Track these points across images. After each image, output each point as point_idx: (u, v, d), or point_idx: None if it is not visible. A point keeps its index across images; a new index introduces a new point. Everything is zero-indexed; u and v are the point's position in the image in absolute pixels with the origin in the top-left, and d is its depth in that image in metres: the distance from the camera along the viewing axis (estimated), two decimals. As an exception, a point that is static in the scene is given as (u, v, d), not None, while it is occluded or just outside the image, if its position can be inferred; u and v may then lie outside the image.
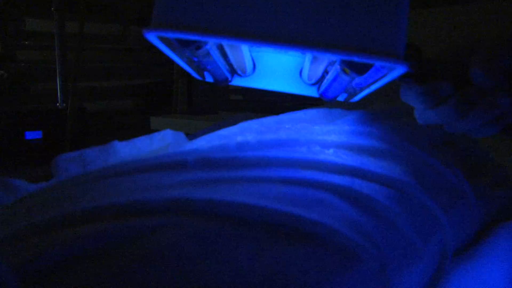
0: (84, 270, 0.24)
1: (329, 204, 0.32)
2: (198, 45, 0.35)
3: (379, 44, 0.32)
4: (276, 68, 0.50)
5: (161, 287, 0.24)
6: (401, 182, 0.37)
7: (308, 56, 0.43)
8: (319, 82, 0.48)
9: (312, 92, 0.51)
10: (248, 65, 0.46)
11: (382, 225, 0.33)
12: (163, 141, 0.56)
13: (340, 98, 0.49)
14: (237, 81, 0.50)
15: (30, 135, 0.99)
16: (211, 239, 0.27)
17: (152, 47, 0.36)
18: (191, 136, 0.61)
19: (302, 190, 0.33)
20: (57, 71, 1.33)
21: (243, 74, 0.48)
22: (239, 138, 0.42)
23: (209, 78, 0.48)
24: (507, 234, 0.42)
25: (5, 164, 1.01)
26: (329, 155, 0.39)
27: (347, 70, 0.35)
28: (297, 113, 0.53)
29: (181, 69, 0.45)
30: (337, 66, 0.37)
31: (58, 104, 1.41)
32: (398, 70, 0.34)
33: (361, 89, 0.43)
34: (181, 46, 0.35)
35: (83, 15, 1.33)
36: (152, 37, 0.34)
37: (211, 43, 0.37)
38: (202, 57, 0.39)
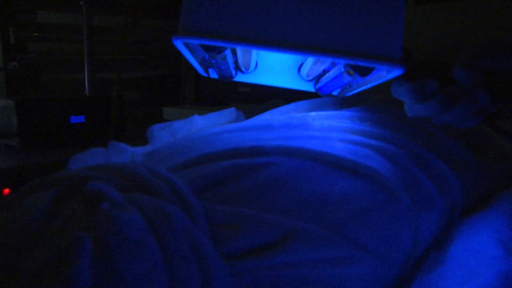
0: (230, 187, 0.38)
1: (374, 157, 0.45)
2: (219, 50, 0.39)
3: (381, 50, 0.36)
4: (275, 65, 0.54)
5: (276, 199, 0.37)
6: (419, 148, 0.48)
7: (311, 58, 0.47)
8: (315, 78, 0.53)
9: (308, 87, 0.55)
10: (252, 63, 0.51)
11: (408, 177, 0.44)
12: (230, 116, 0.67)
13: (334, 93, 0.54)
14: (239, 77, 0.54)
15: (74, 119, 1.07)
16: (306, 172, 0.40)
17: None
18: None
19: (354, 147, 0.46)
20: (85, 62, 1.38)
21: (246, 71, 0.52)
22: (295, 113, 0.53)
23: (213, 75, 0.52)
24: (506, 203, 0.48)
25: (53, 144, 1.09)
26: (366, 127, 0.51)
27: (351, 72, 0.39)
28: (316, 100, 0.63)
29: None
30: (341, 68, 0.42)
31: (86, 93, 1.47)
32: (395, 72, 0.38)
33: (358, 86, 0.48)
34: (205, 50, 0.38)
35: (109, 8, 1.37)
36: (179, 43, 0.37)
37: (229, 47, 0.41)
38: (220, 59, 0.44)
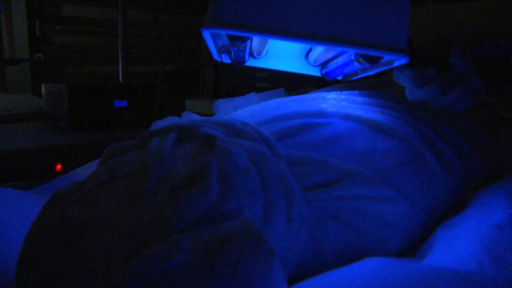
0: (302, 138, 0.48)
1: (403, 124, 0.52)
2: (244, 39, 0.44)
3: (389, 41, 0.41)
4: (284, 51, 0.59)
5: (336, 149, 0.47)
6: (438, 123, 0.56)
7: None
8: (322, 64, 0.58)
9: (314, 72, 0.60)
10: (265, 50, 0.56)
11: (431, 143, 0.52)
12: (279, 94, 0.76)
13: (339, 78, 0.59)
14: (251, 62, 0.58)
15: (118, 103, 1.16)
16: (357, 131, 0.50)
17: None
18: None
19: (388, 116, 0.54)
20: (120, 55, 1.48)
21: (257, 56, 0.57)
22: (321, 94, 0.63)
23: (226, 60, 0.56)
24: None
25: (98, 125, 1.19)
26: (390, 104, 0.58)
27: (361, 60, 0.45)
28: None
29: (209, 56, 0.57)
30: (351, 56, 0.47)
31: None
32: (401, 61, 0.44)
33: (363, 72, 0.53)
34: (230, 39, 0.44)
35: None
36: (206, 32, 0.42)
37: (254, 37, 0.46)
38: (243, 47, 0.49)
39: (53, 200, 0.41)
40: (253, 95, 0.72)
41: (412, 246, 0.48)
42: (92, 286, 0.32)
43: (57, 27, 2.51)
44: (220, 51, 0.52)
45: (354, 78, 0.56)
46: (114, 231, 0.34)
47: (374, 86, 0.68)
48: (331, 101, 0.57)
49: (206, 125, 0.45)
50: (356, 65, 0.47)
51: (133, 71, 2.27)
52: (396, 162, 0.47)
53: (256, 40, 0.53)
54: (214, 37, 0.47)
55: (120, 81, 1.59)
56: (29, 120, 1.37)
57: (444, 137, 0.54)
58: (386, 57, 0.44)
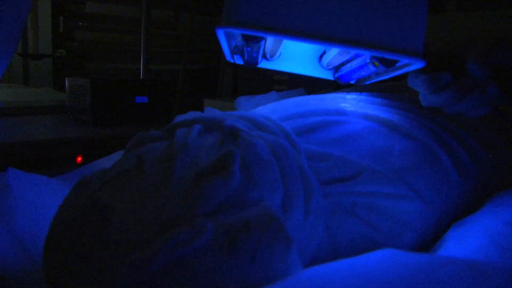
0: (321, 134, 0.50)
1: (419, 126, 0.54)
2: (258, 39, 0.43)
3: (406, 45, 0.40)
4: (297, 54, 0.57)
5: (354, 146, 0.48)
6: (452, 126, 0.57)
7: (335, 48, 0.51)
8: (335, 67, 0.57)
9: (327, 75, 0.59)
10: (278, 51, 0.55)
11: (447, 145, 0.53)
12: (298, 93, 0.79)
13: (352, 81, 0.58)
14: (263, 64, 0.57)
15: (139, 99, 1.19)
16: (374, 130, 0.51)
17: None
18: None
19: (405, 118, 0.55)
20: (142, 52, 1.51)
21: (270, 58, 0.56)
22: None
23: (238, 61, 0.55)
24: None
25: (119, 120, 1.22)
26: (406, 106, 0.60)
27: (377, 63, 0.43)
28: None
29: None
30: (366, 59, 0.46)
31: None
32: (417, 65, 0.43)
33: (377, 76, 0.52)
34: (244, 39, 0.43)
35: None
36: (221, 32, 0.42)
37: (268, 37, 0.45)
38: (256, 47, 0.48)
39: (80, 184, 0.43)
40: (273, 94, 0.74)
41: (425, 245, 0.49)
42: (118, 266, 0.33)
43: (80, 24, 2.56)
44: (233, 51, 0.52)
45: (368, 82, 0.56)
46: (140, 214, 0.36)
47: (391, 89, 0.69)
48: (350, 101, 0.59)
49: (230, 118, 0.47)
50: (371, 68, 0.46)
51: (153, 69, 2.30)
52: (412, 162, 0.49)
53: (269, 41, 0.53)
54: (228, 37, 0.47)
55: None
56: (50, 113, 1.40)
57: (460, 141, 0.55)
58: (402, 61, 0.43)
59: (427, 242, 0.49)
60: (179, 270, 0.32)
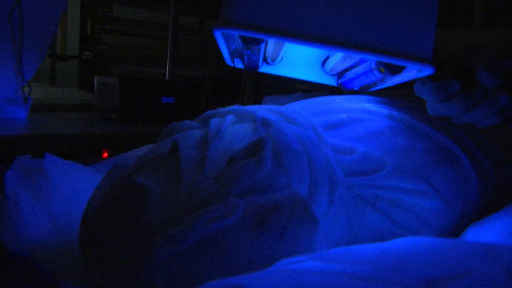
0: (346, 130, 0.52)
1: (443, 130, 0.54)
2: (258, 42, 0.40)
3: (414, 50, 0.38)
4: (299, 58, 0.55)
5: (377, 142, 0.50)
6: (474, 131, 0.56)
7: (339, 53, 0.50)
8: (339, 73, 0.56)
9: (330, 81, 0.57)
10: (280, 56, 0.53)
11: (465, 147, 0.53)
12: (312, 96, 0.79)
13: (356, 88, 0.56)
14: (264, 69, 0.55)
15: (165, 100, 1.23)
16: (396, 128, 0.52)
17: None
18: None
19: (424, 120, 0.55)
20: (168, 57, 1.55)
21: (271, 62, 0.54)
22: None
23: (238, 65, 0.53)
24: None
25: (145, 119, 1.25)
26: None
27: (383, 69, 0.41)
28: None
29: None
30: (372, 64, 0.43)
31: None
32: (425, 72, 0.41)
33: (382, 83, 0.51)
34: (243, 41, 0.40)
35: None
36: (218, 33, 0.39)
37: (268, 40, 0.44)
38: (256, 50, 0.46)
39: (116, 167, 0.46)
40: (299, 95, 0.76)
41: None
42: (154, 239, 0.36)
43: (107, 27, 2.63)
44: (233, 55, 0.50)
45: (372, 89, 0.54)
46: (175, 194, 0.38)
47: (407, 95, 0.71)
48: (374, 101, 0.60)
49: (262, 110, 0.49)
50: (377, 74, 0.43)
51: (178, 74, 2.35)
52: (432, 161, 0.50)
53: (270, 45, 0.50)
54: (227, 40, 0.44)
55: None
56: (78, 110, 1.45)
57: (480, 146, 0.56)
58: (410, 67, 0.41)
59: None
60: (211, 244, 0.35)
